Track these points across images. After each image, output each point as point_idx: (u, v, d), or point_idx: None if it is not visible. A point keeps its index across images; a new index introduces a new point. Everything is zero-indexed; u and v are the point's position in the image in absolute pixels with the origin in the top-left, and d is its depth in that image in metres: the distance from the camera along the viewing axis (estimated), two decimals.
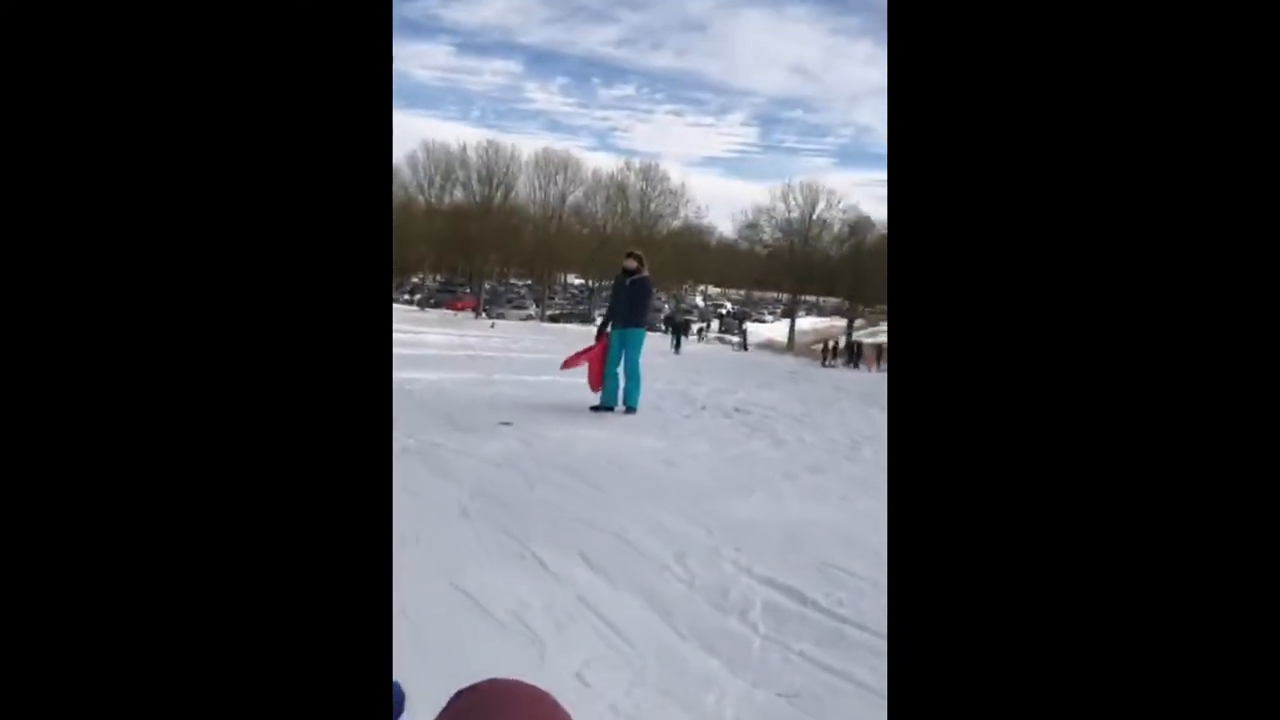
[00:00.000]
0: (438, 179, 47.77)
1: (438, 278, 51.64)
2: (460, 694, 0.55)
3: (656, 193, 46.78)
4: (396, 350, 11.99)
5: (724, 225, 53.41)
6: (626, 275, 6.49)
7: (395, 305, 42.19)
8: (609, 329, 6.39)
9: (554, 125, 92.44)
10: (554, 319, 42.96)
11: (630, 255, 6.59)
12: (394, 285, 45.71)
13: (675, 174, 46.50)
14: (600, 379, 6.42)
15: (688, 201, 47.52)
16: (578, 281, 56.78)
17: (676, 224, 47.60)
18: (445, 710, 0.53)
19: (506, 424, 5.50)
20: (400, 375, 8.08)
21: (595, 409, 6.33)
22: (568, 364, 6.73)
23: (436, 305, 42.99)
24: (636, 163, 47.53)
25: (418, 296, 45.33)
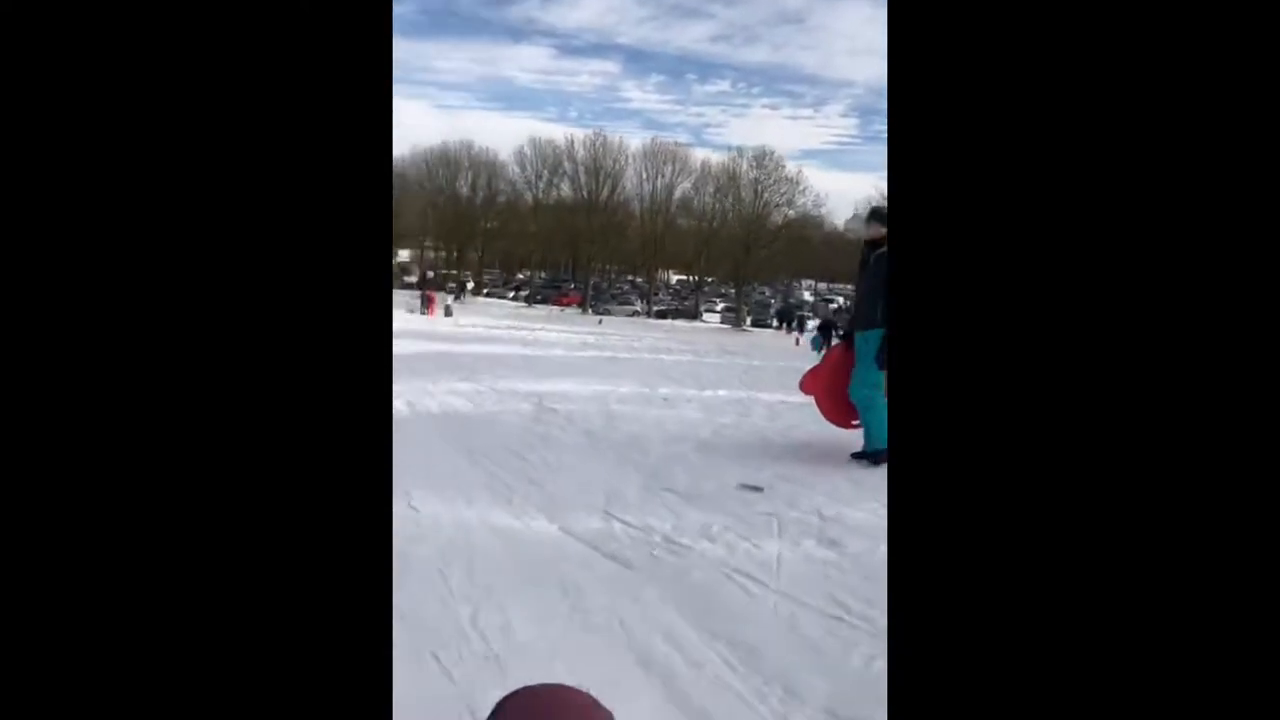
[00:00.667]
0: (545, 173, 46.80)
1: (542, 274, 50.87)
2: (504, 701, 0.53)
3: (771, 180, 44.01)
4: (519, 350, 10.90)
5: (827, 218, 50.11)
6: (872, 249, 4.02)
7: (503, 301, 41.64)
8: (836, 334, 3.84)
9: (650, 123, 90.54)
10: (660, 314, 41.16)
11: (875, 216, 4.11)
12: (501, 282, 45.77)
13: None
14: (841, 409, 4.14)
15: (804, 190, 44.54)
16: (677, 278, 54.68)
17: (791, 214, 44.70)
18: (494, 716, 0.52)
19: (754, 489, 3.26)
20: (539, 387, 6.09)
21: (861, 456, 3.89)
22: (808, 387, 4.41)
23: (543, 301, 42.17)
24: (749, 150, 44.96)
25: (524, 292, 44.40)
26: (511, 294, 44.56)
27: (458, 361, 8.45)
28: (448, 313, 28.14)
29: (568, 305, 41.40)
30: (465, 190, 47.29)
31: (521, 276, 52.66)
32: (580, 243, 43.19)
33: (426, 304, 28.69)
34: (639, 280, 51.19)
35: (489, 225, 46.78)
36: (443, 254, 51.14)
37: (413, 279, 47.96)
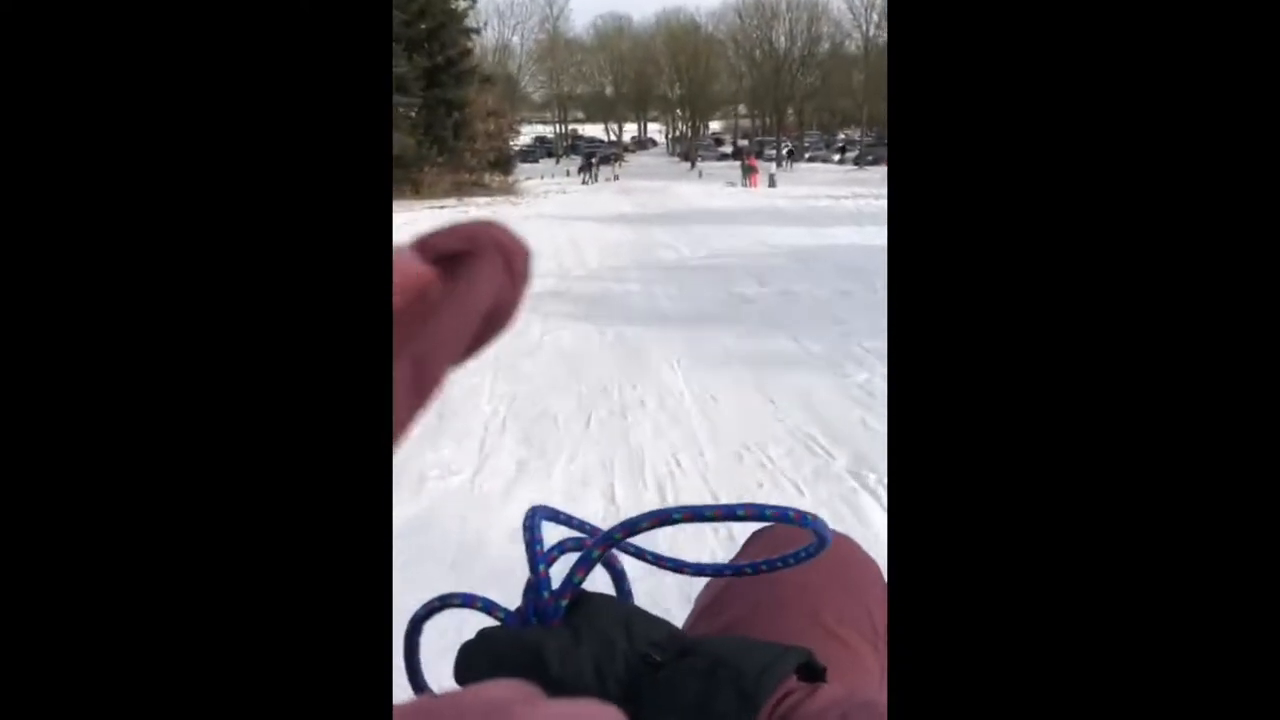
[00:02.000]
0: (875, 16, 39.72)
1: (870, 132, 44.62)
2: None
3: None
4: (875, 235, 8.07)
5: None
6: None
7: (829, 165, 37.00)
8: None
9: None
10: None
11: None
12: (824, 144, 40.63)
13: None
14: None
15: None
16: None
17: None
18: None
19: None
20: None
21: None
22: None
23: (874, 162, 36.62)
24: None
25: (851, 154, 38.94)
26: (838, 156, 39.33)
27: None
28: (772, 183, 25.08)
29: None
30: (782, 41, 42.02)
31: (843, 136, 47.07)
32: None
33: (748, 174, 25.75)
34: None
35: (810, 80, 41.47)
36: (758, 121, 47.33)
37: (727, 149, 45.40)
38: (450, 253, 0.28)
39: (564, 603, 0.45)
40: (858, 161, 37.26)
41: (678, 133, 54.51)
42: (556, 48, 48.86)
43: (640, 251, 9.20)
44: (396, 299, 0.26)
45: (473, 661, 0.45)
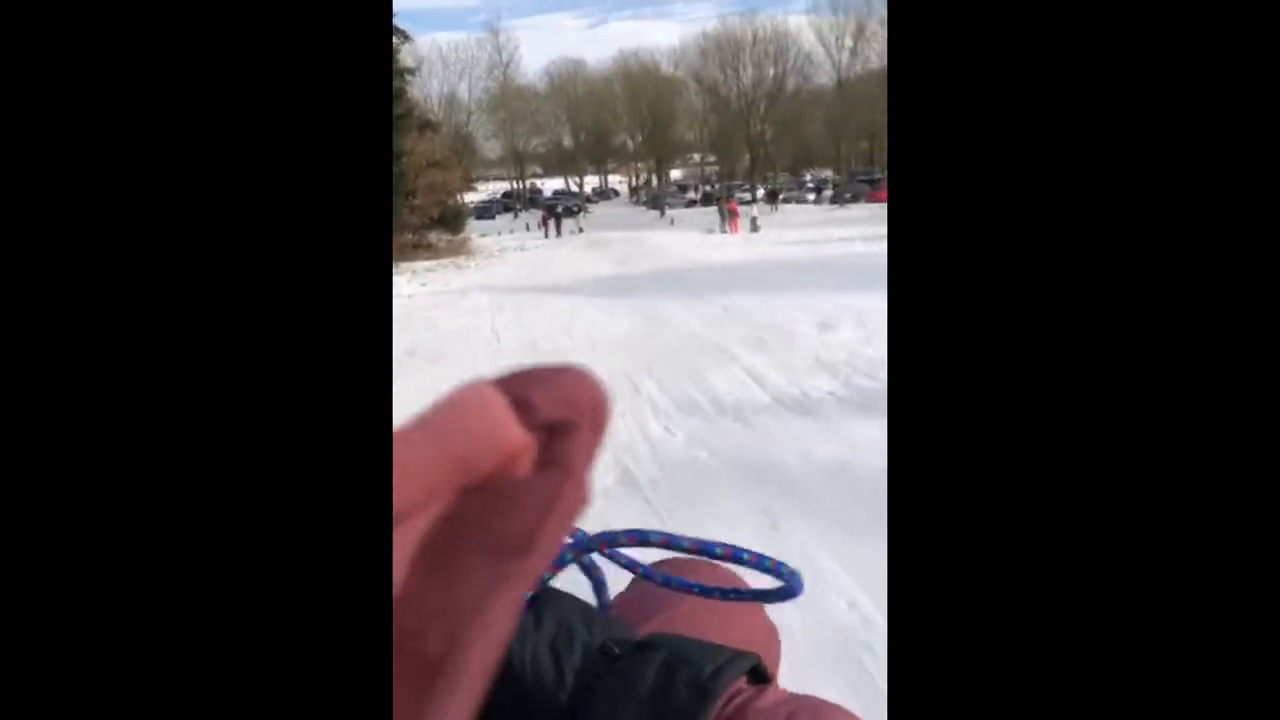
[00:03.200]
0: (852, 29, 38.03)
1: (831, 172, 42.79)
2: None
3: None
4: None
5: None
6: None
7: (807, 205, 34.77)
8: None
9: None
10: None
11: None
12: (797, 185, 38.46)
13: None
14: None
15: None
16: None
17: None
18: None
19: None
20: None
21: None
22: None
23: (852, 199, 34.47)
24: None
25: (827, 193, 36.70)
26: (812, 195, 37.10)
27: None
28: (754, 227, 22.56)
29: (885, 200, 33.19)
30: (750, 73, 40.00)
31: (809, 176, 45.17)
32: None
33: (729, 219, 23.16)
34: None
35: (781, 114, 39.47)
36: (723, 167, 45.29)
37: (693, 196, 43.23)
38: (551, 422, 0.24)
39: (528, 594, 0.45)
40: (834, 200, 35.23)
41: (639, 181, 52.72)
42: (508, 95, 46.29)
43: (669, 371, 5.10)
44: (482, 457, 0.22)
45: None
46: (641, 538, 0.46)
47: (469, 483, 0.22)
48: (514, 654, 0.42)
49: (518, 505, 0.22)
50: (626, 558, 0.53)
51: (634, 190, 54.73)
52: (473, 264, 17.06)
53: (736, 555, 0.45)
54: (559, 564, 0.48)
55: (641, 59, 47.07)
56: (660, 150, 44.52)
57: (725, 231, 22.44)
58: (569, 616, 0.46)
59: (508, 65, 46.69)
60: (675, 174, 48.56)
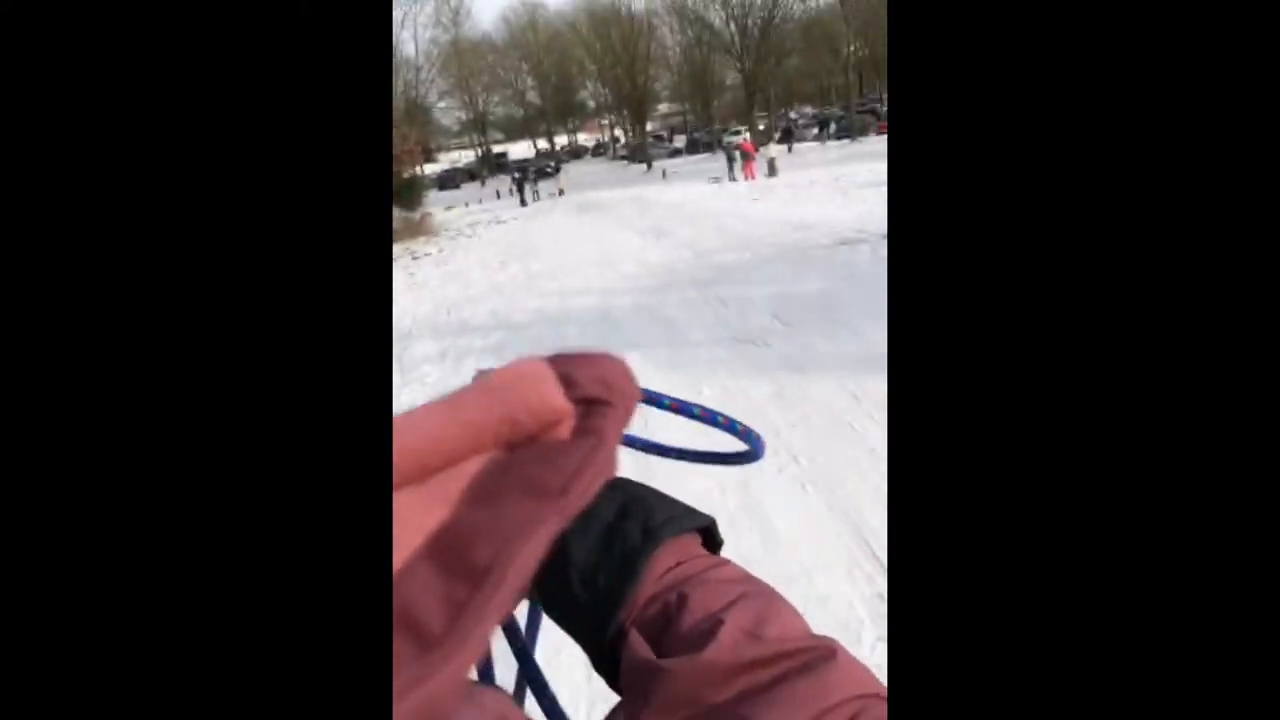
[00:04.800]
0: None
1: (862, 96, 38.78)
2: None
3: None
4: None
5: None
6: None
7: (810, 145, 30.87)
8: None
9: None
10: None
11: None
12: (784, 122, 34.40)
13: None
14: None
15: None
16: None
17: None
18: None
19: None
20: None
21: None
22: None
23: (863, 132, 30.60)
24: None
25: (831, 129, 32.66)
26: (815, 130, 33.03)
27: None
28: (772, 170, 18.75)
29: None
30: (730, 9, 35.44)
31: (806, 112, 41.09)
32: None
33: (745, 162, 19.29)
34: None
35: (774, 47, 35.13)
36: (690, 116, 41.03)
37: (678, 145, 39.10)
38: (590, 398, 0.29)
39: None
40: (840, 136, 31.35)
41: (609, 137, 48.56)
42: (460, 48, 41.26)
43: None
44: (528, 419, 0.27)
45: None
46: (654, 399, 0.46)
47: (516, 438, 0.27)
48: None
49: (558, 460, 0.27)
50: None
51: (599, 147, 50.97)
52: (434, 249, 13.08)
53: (711, 418, 0.46)
54: None
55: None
56: (635, 98, 39.94)
57: (736, 179, 18.66)
58: None
59: (457, 11, 41.49)
60: (639, 128, 44.51)
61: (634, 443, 0.52)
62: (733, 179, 18.98)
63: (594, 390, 0.30)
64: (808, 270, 6.34)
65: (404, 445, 0.25)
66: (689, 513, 0.46)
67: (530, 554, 0.24)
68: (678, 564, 0.43)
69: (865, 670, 0.36)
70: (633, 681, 0.38)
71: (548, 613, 0.45)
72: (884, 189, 11.04)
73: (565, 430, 0.29)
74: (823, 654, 0.35)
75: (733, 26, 35.08)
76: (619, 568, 0.41)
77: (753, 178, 18.36)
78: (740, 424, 0.47)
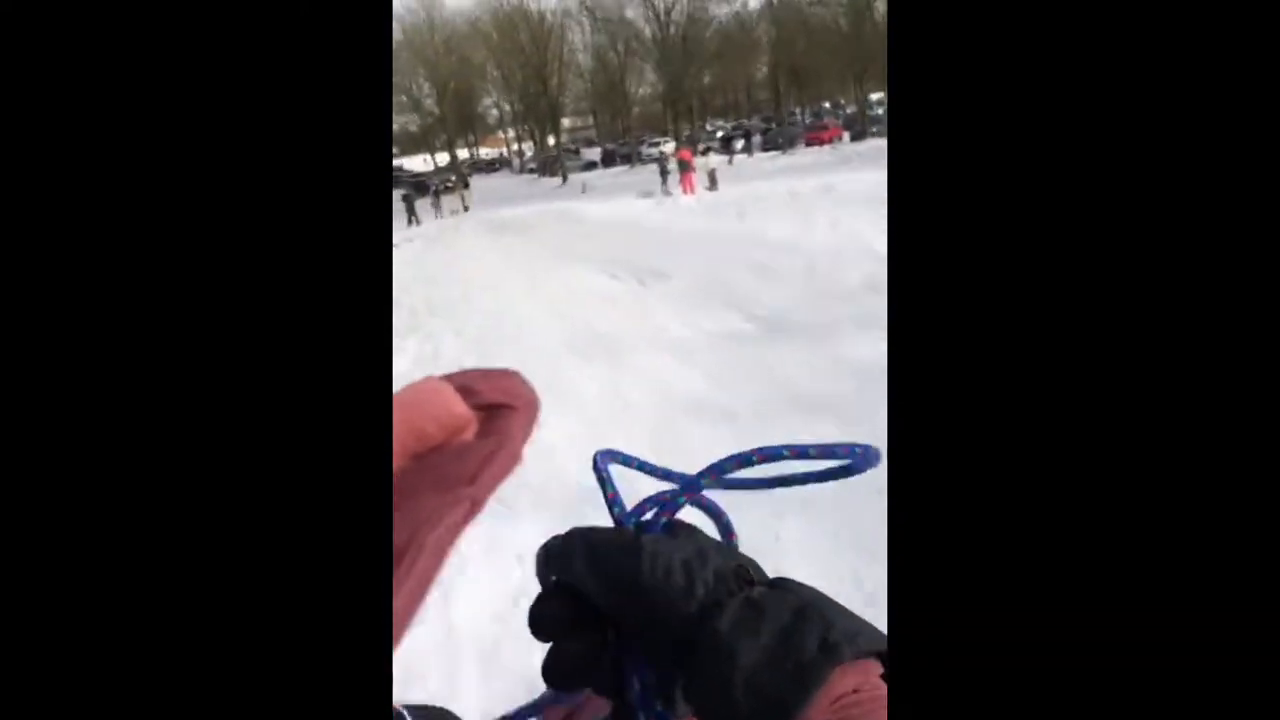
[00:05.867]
0: None
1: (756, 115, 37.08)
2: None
3: None
4: None
5: None
6: None
7: (740, 158, 28.82)
8: None
9: None
10: None
11: None
12: (717, 134, 32.32)
13: None
14: None
15: None
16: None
17: None
18: None
19: None
20: None
21: None
22: None
23: (790, 145, 28.95)
24: None
25: (756, 139, 30.69)
26: (740, 143, 31.02)
27: None
28: (713, 183, 16.36)
29: (828, 141, 28.70)
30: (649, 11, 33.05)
31: (726, 125, 39.33)
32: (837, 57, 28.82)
33: (682, 173, 16.78)
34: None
35: (710, 50, 33.01)
36: (604, 128, 38.60)
37: (593, 158, 36.50)
38: (491, 404, 0.32)
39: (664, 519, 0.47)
40: (766, 148, 29.58)
41: (517, 150, 45.60)
42: None
43: None
44: (434, 429, 0.30)
45: (567, 548, 0.44)
46: (744, 459, 0.44)
47: (423, 449, 0.29)
48: (644, 568, 0.41)
49: (463, 456, 0.30)
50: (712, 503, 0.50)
51: (499, 160, 47.92)
52: None
53: (830, 451, 0.44)
54: (671, 506, 0.45)
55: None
56: (545, 105, 36.98)
57: (672, 193, 16.15)
58: (704, 543, 0.44)
59: None
60: (550, 139, 41.84)
61: (749, 484, 0.48)
62: (667, 192, 16.54)
63: (495, 397, 0.32)
64: None
65: None
66: (870, 631, 0.41)
67: (440, 535, 0.26)
68: (854, 690, 0.38)
69: None
70: None
71: (698, 714, 0.41)
72: (849, 205, 8.93)
73: (469, 434, 0.32)
74: None
75: (652, 27, 32.72)
76: (789, 681, 0.38)
77: (692, 191, 15.94)
78: (842, 447, 0.44)
